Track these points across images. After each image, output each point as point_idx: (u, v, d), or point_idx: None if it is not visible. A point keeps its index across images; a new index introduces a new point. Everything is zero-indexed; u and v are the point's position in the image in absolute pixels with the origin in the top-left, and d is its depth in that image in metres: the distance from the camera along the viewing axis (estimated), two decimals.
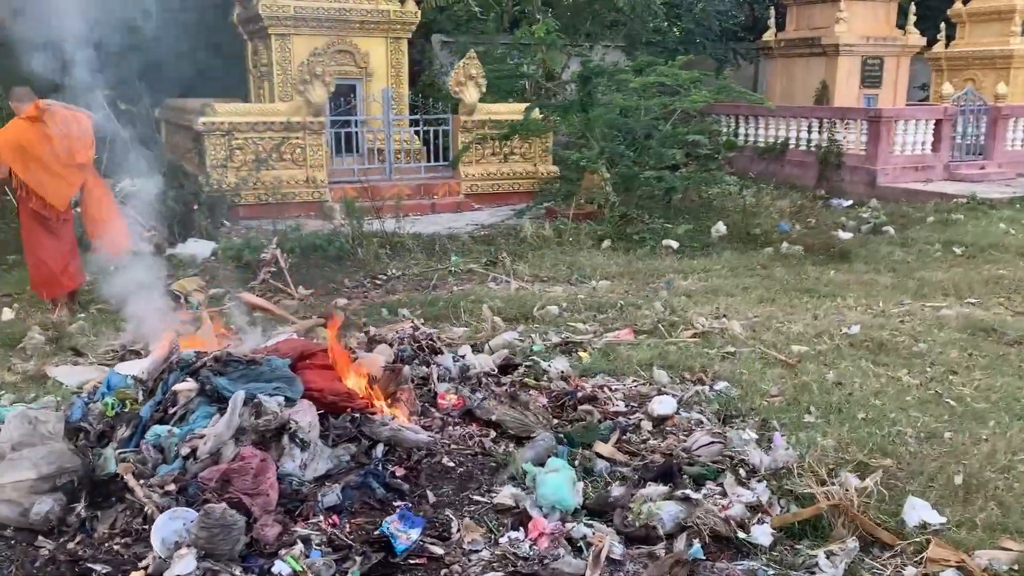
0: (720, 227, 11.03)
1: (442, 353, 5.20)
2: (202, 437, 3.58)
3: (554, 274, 9.25)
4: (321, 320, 5.71)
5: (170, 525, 3.24)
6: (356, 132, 12.85)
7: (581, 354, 6.10)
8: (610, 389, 5.28)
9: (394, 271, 9.14)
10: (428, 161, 13.17)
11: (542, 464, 3.90)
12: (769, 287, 8.45)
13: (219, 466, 3.50)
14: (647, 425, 4.68)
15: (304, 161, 11.79)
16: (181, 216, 10.26)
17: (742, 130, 16.72)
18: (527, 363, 5.67)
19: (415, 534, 3.42)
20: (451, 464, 4.09)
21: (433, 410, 4.57)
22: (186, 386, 3.78)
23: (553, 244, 10.47)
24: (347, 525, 3.50)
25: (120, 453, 3.57)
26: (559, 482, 3.67)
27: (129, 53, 15.29)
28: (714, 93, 12.33)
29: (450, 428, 4.41)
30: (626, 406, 5.04)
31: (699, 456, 4.22)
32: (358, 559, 3.22)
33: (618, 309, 7.49)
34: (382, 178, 12.60)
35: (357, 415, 4.10)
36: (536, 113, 12.39)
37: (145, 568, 3.19)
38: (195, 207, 10.38)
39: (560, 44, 13.38)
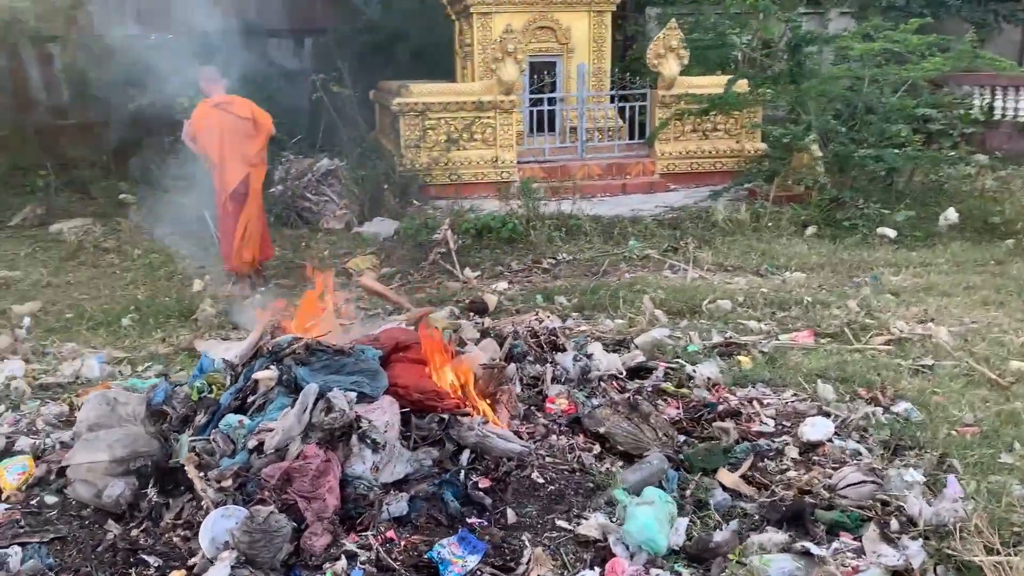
0: (951, 214, 9.56)
1: (564, 351, 4.73)
2: (271, 430, 3.37)
3: (741, 263, 8.42)
4: (431, 310, 5.42)
5: (221, 523, 3.06)
6: (553, 110, 12.48)
7: (742, 358, 5.37)
8: (760, 403, 4.56)
9: (565, 255, 8.72)
10: (628, 139, 12.58)
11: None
12: (999, 287, 7.15)
13: (282, 464, 3.29)
14: (792, 451, 3.95)
15: (494, 141, 11.64)
16: (372, 195, 10.44)
17: (999, 103, 14.52)
18: (672, 366, 5.05)
19: (472, 562, 3.02)
20: (542, 480, 3.63)
21: (539, 415, 4.12)
22: (266, 374, 3.60)
23: (748, 229, 9.58)
24: (403, 541, 3.15)
25: (192, 441, 3.45)
26: (649, 519, 3.11)
27: (350, 37, 15.97)
28: (954, 60, 10.69)
29: (553, 437, 3.95)
30: (775, 425, 4.31)
31: (844, 497, 3.46)
32: None
33: (803, 307, 6.61)
34: (573, 157, 12.19)
35: (445, 416, 3.74)
36: (742, 85, 11.40)
37: (191, 567, 3.02)
38: (385, 186, 10.52)
39: (773, 10, 12.18)
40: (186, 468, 3.29)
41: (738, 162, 12.14)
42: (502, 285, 7.67)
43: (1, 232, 10.48)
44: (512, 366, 4.29)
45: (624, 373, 4.64)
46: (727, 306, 6.64)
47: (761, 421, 4.35)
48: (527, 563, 3.09)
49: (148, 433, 3.50)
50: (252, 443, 3.38)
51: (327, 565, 2.99)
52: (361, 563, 2.98)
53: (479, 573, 3.02)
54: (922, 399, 4.59)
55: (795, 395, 4.72)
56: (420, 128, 11.42)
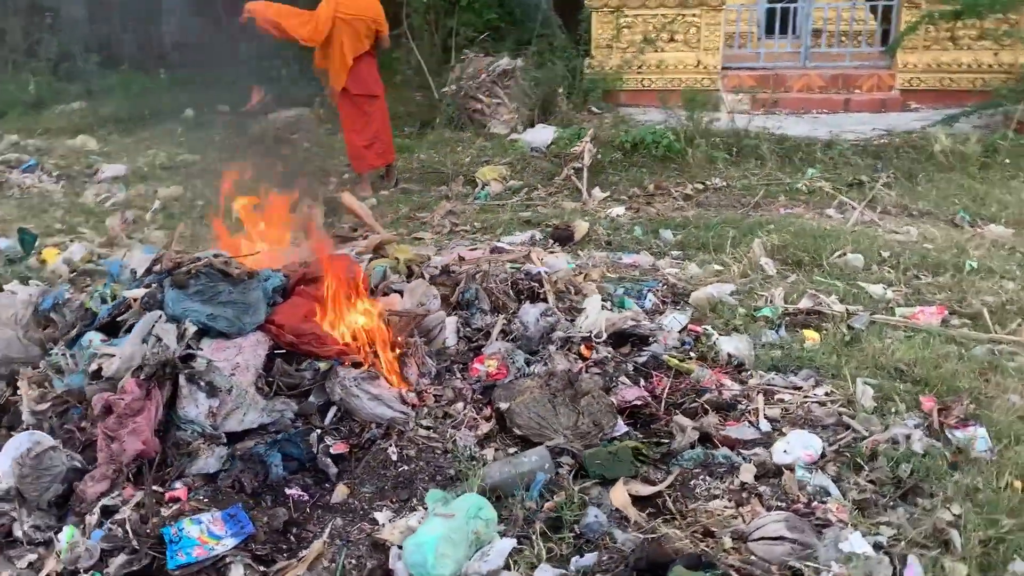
0: None
1: (542, 301, 3.97)
2: (112, 356, 3.12)
3: (935, 208, 6.81)
4: (394, 237, 4.79)
5: (13, 449, 2.88)
6: (793, 7, 10.75)
7: (810, 333, 4.26)
8: (770, 398, 3.55)
9: (718, 180, 7.57)
10: (871, 47, 10.63)
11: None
12: None
13: (106, 395, 3.02)
14: (748, 472, 3.00)
15: (697, 43, 10.35)
16: (545, 99, 9.80)
17: None
18: (703, 335, 4.11)
19: (226, 547, 2.57)
20: (395, 457, 3.05)
21: (455, 378, 3.48)
22: (135, 293, 3.33)
23: (973, 165, 7.70)
24: (187, 505, 2.77)
25: (55, 355, 3.30)
26: (430, 538, 2.46)
27: None
28: None
29: (460, 406, 3.31)
30: (769, 431, 3.33)
31: (752, 553, 2.54)
32: (120, 558, 2.51)
33: (963, 273, 5.14)
34: (792, 65, 10.55)
35: (322, 365, 3.26)
36: None
37: None
38: (560, 90, 9.82)
39: None
40: (19, 384, 3.14)
41: (1006, 80, 9.77)
42: (618, 210, 6.82)
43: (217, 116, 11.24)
44: (439, 315, 3.64)
45: (604, 336, 3.79)
46: (858, 262, 5.34)
47: (753, 423, 3.36)
48: (293, 560, 2.58)
49: (27, 340, 3.40)
50: (93, 367, 3.14)
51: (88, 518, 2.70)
52: (112, 523, 2.65)
53: (231, 560, 2.56)
54: (1009, 422, 3.30)
55: (830, 393, 3.61)
56: (614, 26, 10.44)
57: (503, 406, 3.18)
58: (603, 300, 4.47)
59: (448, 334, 3.62)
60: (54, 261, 5.20)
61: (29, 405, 3.05)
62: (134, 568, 2.49)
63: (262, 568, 2.58)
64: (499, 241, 6.00)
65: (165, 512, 2.73)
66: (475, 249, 5.75)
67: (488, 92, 10.01)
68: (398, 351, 3.41)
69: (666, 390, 3.60)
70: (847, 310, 4.50)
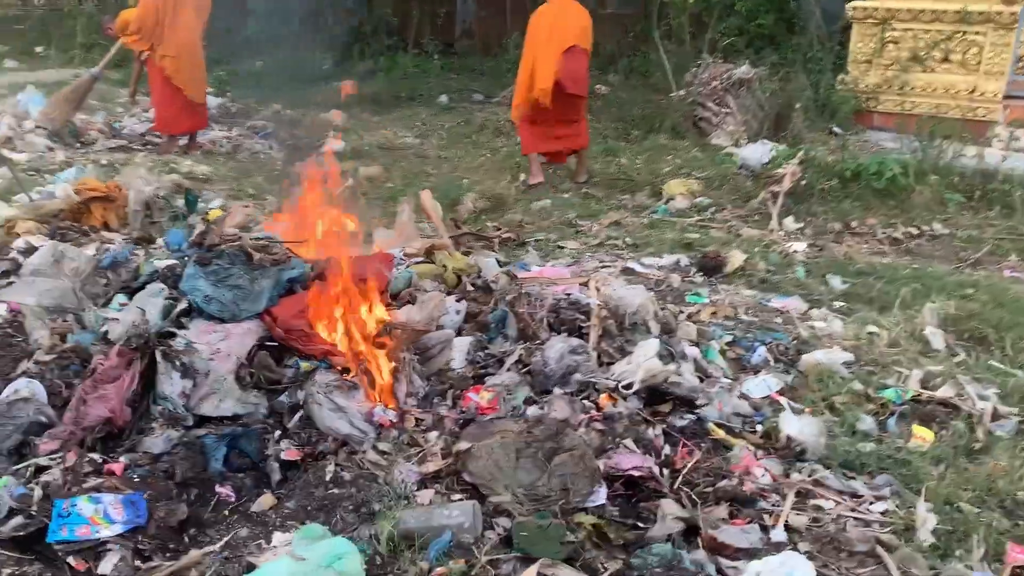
0: None
1: (580, 336, 3.51)
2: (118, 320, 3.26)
3: None
4: (447, 243, 4.36)
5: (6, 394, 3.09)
6: None
7: (920, 429, 3.46)
8: (805, 501, 2.89)
9: (942, 227, 6.43)
10: None
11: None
12: None
13: (100, 357, 3.16)
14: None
15: (977, 65, 8.90)
16: (778, 113, 8.99)
17: None
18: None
19: (112, 532, 2.55)
20: (329, 478, 2.85)
21: (444, 404, 3.20)
22: (166, 264, 3.44)
23: None
24: (117, 480, 2.79)
25: (88, 311, 3.51)
26: None
27: None
28: None
29: (432, 435, 3.05)
30: (784, 539, 2.71)
31: None
32: (16, 520, 2.57)
33: None
34: None
35: (304, 365, 3.15)
36: None
37: None
38: (797, 105, 8.94)
39: None
40: (37, 332, 3.34)
41: None
42: (800, 246, 6.02)
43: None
44: (444, 333, 3.35)
45: (635, 388, 3.29)
46: None
47: (767, 528, 2.75)
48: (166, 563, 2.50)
49: (82, 293, 3.64)
50: (103, 329, 3.29)
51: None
52: (35, 482, 2.73)
53: (110, 548, 2.53)
54: None
55: (887, 513, 2.86)
56: (878, 39, 9.28)
57: (462, 446, 2.85)
58: (695, 344, 3.95)
59: (455, 355, 3.34)
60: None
61: (37, 354, 3.23)
62: (20, 533, 2.52)
63: (137, 563, 2.50)
64: (638, 262, 5.54)
65: (90, 483, 2.74)
66: (603, 267, 5.36)
67: (718, 100, 9.36)
68: (392, 364, 3.18)
69: (689, 466, 3.04)
70: (995, 410, 3.56)
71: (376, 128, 10.16)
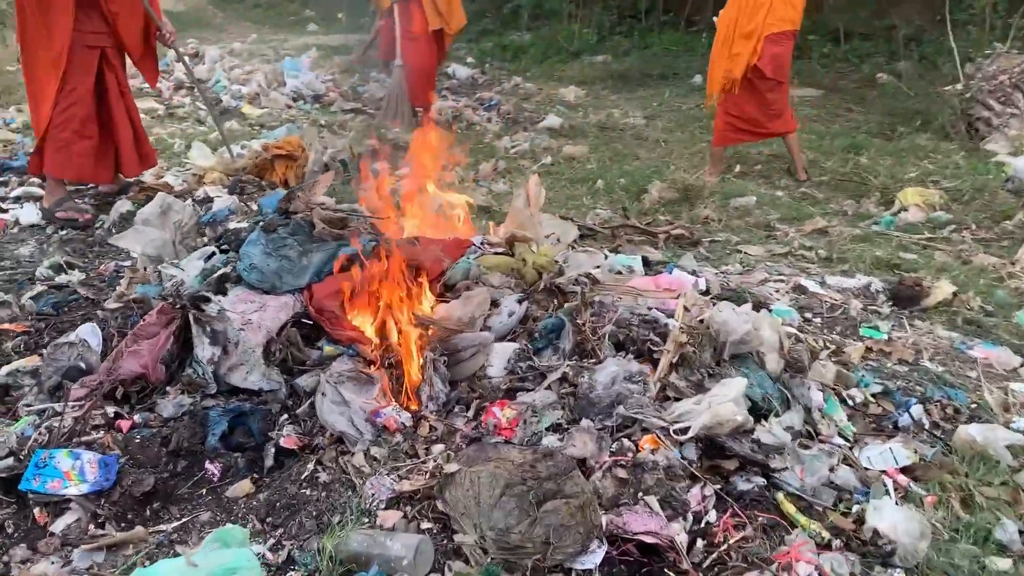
0: None
1: (648, 361, 2.95)
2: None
3: None
4: (530, 237, 3.70)
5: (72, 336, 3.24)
6: None
7: None
8: None
9: None
10: None
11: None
12: None
13: (152, 312, 3.21)
14: None
15: None
16: None
17: None
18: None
19: (80, 490, 2.54)
20: (318, 477, 2.64)
21: (464, 415, 2.84)
22: (240, 226, 3.41)
23: None
24: (121, 435, 2.80)
25: (168, 264, 3.58)
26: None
27: None
28: None
29: (437, 448, 2.74)
30: None
31: None
32: (7, 461, 2.65)
33: None
34: None
35: (329, 348, 2.97)
36: None
37: None
38: None
39: None
40: (124, 288, 3.46)
41: None
42: None
43: None
44: (480, 336, 2.94)
45: (688, 436, 2.70)
46: None
47: None
48: (112, 533, 2.44)
49: (181, 246, 3.73)
50: (169, 283, 3.33)
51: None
52: (43, 426, 2.81)
53: (72, 505, 2.52)
54: None
55: None
56: None
57: (450, 468, 2.50)
58: (829, 390, 3.26)
59: (494, 362, 2.95)
60: None
61: (107, 302, 3.33)
62: (4, 475, 2.57)
63: (91, 527, 2.46)
64: (818, 279, 4.74)
65: (92, 436, 2.76)
66: (775, 280, 4.64)
67: (1004, 98, 7.86)
68: (420, 362, 2.89)
69: (730, 542, 2.45)
70: None
71: (608, 106, 9.78)
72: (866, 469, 2.90)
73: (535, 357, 2.97)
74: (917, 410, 3.30)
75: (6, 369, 3.10)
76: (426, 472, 2.59)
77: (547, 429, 2.71)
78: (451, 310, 3.02)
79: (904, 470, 2.88)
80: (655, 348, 2.97)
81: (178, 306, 2.99)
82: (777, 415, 3.04)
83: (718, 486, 2.64)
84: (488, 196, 5.77)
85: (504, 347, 2.98)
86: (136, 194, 5.30)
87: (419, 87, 7.86)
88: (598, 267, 4.36)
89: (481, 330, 3.03)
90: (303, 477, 2.63)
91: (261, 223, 3.30)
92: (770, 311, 4.09)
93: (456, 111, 8.73)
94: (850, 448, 3.02)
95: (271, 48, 13.46)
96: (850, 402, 3.35)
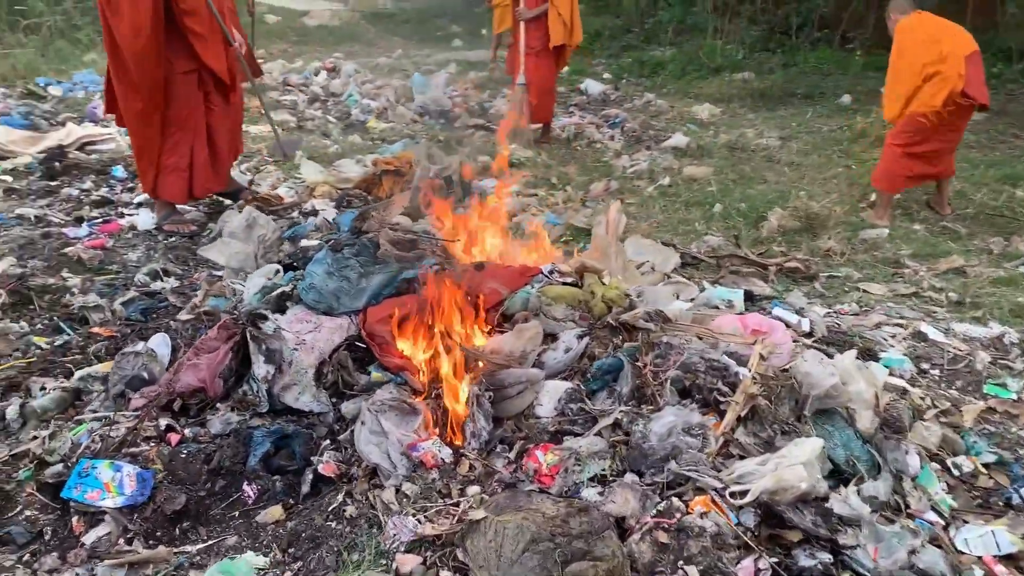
0: None
1: (715, 411, 2.68)
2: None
3: None
4: (601, 268, 3.36)
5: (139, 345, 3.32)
6: None
7: None
8: None
9: None
10: None
11: None
12: None
13: (218, 326, 3.25)
14: None
15: None
16: None
17: None
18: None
19: (114, 503, 2.57)
20: (344, 511, 2.56)
21: (505, 457, 2.68)
22: (309, 243, 3.41)
23: None
24: (162, 449, 2.83)
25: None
26: None
27: None
28: None
29: (473, 490, 2.60)
30: None
31: None
32: (57, 467, 2.72)
33: None
34: None
35: (377, 375, 2.90)
36: None
37: None
38: None
39: None
40: (199, 300, 3.51)
41: None
42: None
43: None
44: (530, 373, 2.75)
45: (746, 500, 2.43)
46: None
47: None
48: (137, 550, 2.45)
49: (262, 259, 3.78)
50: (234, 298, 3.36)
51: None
52: (97, 434, 2.87)
53: (107, 517, 2.55)
54: None
55: None
56: None
57: (477, 514, 2.35)
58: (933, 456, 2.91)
59: (544, 400, 2.77)
60: None
61: (181, 314, 3.39)
62: (51, 482, 2.63)
63: (121, 541, 2.47)
64: (942, 327, 4.28)
65: (141, 448, 2.80)
66: (893, 324, 4.23)
67: None
68: (469, 395, 2.76)
69: None
70: None
71: (743, 125, 9.36)
72: (960, 553, 2.53)
73: (588, 399, 2.77)
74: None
75: (80, 374, 3.18)
76: (453, 516, 2.44)
77: (590, 480, 2.51)
78: (503, 343, 2.87)
79: (1006, 558, 2.49)
80: (722, 399, 2.70)
81: (240, 322, 2.99)
82: (862, 480, 2.71)
83: (776, 559, 2.35)
84: (591, 217, 5.57)
85: (556, 385, 2.80)
86: (248, 201, 5.45)
87: (540, 104, 7.77)
88: (692, 299, 4.10)
89: (534, 366, 2.86)
90: (331, 508, 2.55)
91: (330, 242, 3.27)
92: (877, 360, 3.71)
93: (578, 128, 8.57)
94: (945, 527, 2.64)
95: (413, 63, 13.77)
96: (955, 471, 2.95)
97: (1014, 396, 3.62)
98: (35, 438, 2.88)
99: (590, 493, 2.45)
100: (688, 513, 2.41)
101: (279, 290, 3.18)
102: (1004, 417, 3.49)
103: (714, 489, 2.48)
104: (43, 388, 3.17)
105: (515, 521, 2.30)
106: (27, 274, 4.17)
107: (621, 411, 2.66)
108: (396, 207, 3.79)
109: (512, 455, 2.66)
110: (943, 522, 2.66)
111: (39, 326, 3.76)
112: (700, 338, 2.94)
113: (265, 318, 3.01)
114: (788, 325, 4.01)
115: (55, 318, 3.78)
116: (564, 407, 2.75)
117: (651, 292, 3.28)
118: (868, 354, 3.76)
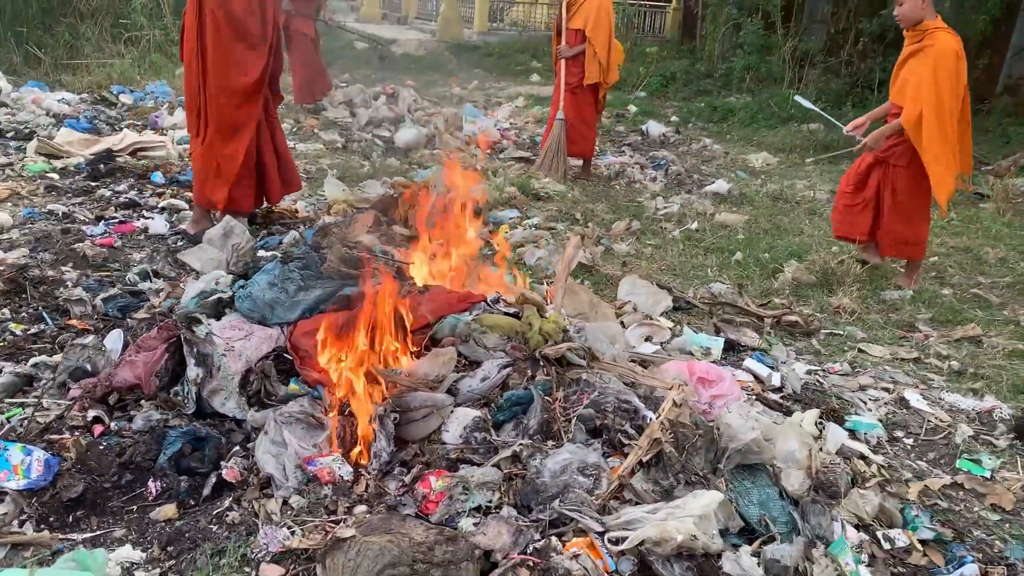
0: None
1: (619, 452, 2.60)
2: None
3: None
4: (538, 299, 3.24)
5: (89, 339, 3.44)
6: None
7: None
8: None
9: None
10: None
11: None
12: None
13: (158, 327, 3.34)
14: None
15: None
16: None
17: None
18: None
19: (15, 484, 2.66)
20: (227, 516, 2.59)
21: (399, 480, 2.66)
22: (265, 255, 3.49)
23: None
24: (86, 443, 2.92)
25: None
26: None
27: None
28: None
29: (360, 509, 2.60)
30: None
31: None
32: None
33: None
34: None
35: (293, 387, 2.93)
36: None
37: None
38: None
39: None
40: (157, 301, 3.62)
41: None
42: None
43: None
44: (433, 398, 2.72)
45: (621, 547, 2.34)
46: None
47: None
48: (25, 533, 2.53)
49: (233, 267, 3.88)
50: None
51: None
52: (27, 419, 2.98)
53: (8, 499, 2.64)
54: None
55: None
56: None
57: (344, 533, 2.34)
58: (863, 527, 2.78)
59: (451, 427, 2.74)
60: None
61: (139, 312, 3.51)
62: None
63: (15, 523, 2.55)
64: (929, 396, 4.07)
65: (65, 436, 2.89)
66: (880, 388, 4.05)
67: None
68: (372, 415, 2.77)
69: None
70: None
71: (796, 176, 9.15)
72: None
73: (495, 430, 2.73)
74: (971, 569, 2.68)
75: (33, 360, 3.31)
76: (328, 532, 2.43)
77: (474, 510, 2.46)
78: (419, 366, 2.85)
79: None
80: (627, 441, 2.63)
81: (172, 324, 3.07)
82: (771, 541, 2.59)
83: None
84: (597, 256, 5.52)
85: (465, 413, 2.77)
86: (267, 216, 5.60)
87: (579, 139, 7.78)
88: (663, 343, 4.01)
89: (448, 391, 2.84)
90: (215, 512, 2.57)
91: (280, 255, 3.34)
92: (842, 422, 3.56)
93: (621, 167, 8.53)
94: None
95: (484, 94, 13.98)
96: (886, 544, 2.79)
97: (987, 474, 3.40)
98: None
99: (467, 523, 2.40)
100: (561, 553, 2.34)
101: (216, 296, 3.25)
102: (970, 495, 3.28)
103: (597, 533, 2.40)
104: (0, 371, 3.30)
105: (380, 543, 2.28)
106: (29, 265, 4.37)
107: (521, 444, 2.61)
108: (360, 225, 3.84)
109: (408, 479, 2.63)
110: None
111: (24, 314, 3.93)
112: (624, 380, 2.86)
113: (199, 322, 3.08)
114: (757, 378, 3.88)
115: (39, 308, 3.94)
116: (469, 435, 2.72)
117: (591, 329, 3.22)
118: (832, 415, 3.59)
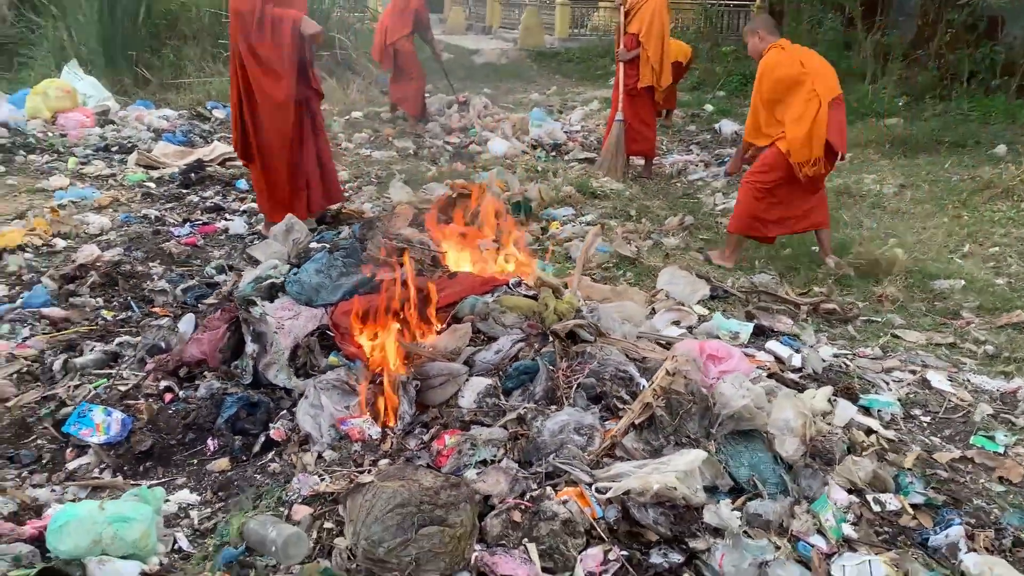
0: None
1: (612, 415, 2.86)
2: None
3: None
4: (557, 282, 3.43)
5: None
6: None
7: None
8: None
9: None
10: None
11: None
12: None
13: (222, 309, 3.78)
14: None
15: None
16: None
17: None
18: None
19: (96, 440, 3.12)
20: (270, 467, 2.99)
21: (420, 437, 3.00)
22: (316, 247, 3.90)
23: None
24: (155, 407, 3.37)
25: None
26: (64, 514, 2.54)
27: None
28: None
29: (383, 463, 2.95)
30: None
31: None
32: (65, 410, 3.30)
33: None
34: None
35: (333, 359, 3.32)
36: None
37: None
38: None
39: None
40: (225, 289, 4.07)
41: None
42: None
43: None
44: (449, 367, 3.03)
45: (606, 496, 2.61)
46: None
47: None
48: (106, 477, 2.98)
49: (293, 259, 4.31)
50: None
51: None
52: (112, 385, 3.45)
53: (91, 452, 3.10)
54: None
55: None
56: None
57: (364, 479, 2.69)
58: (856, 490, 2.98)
59: (467, 394, 3.06)
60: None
61: (209, 299, 3.96)
62: (61, 419, 3.23)
63: (95, 471, 3.01)
64: (953, 376, 4.16)
65: (140, 401, 3.36)
66: (905, 370, 4.18)
67: None
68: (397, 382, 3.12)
69: None
70: None
71: (868, 171, 9.11)
72: None
73: (504, 396, 3.03)
74: (956, 531, 2.84)
75: (118, 340, 3.80)
76: (352, 480, 2.78)
77: (480, 462, 2.77)
78: (439, 340, 3.19)
79: None
80: (621, 405, 2.89)
81: (232, 307, 3.49)
82: (756, 498, 2.81)
83: (627, 554, 2.52)
84: (642, 249, 5.74)
85: (480, 381, 3.08)
86: (336, 217, 6.06)
87: (638, 139, 8.00)
88: (690, 327, 4.23)
89: (466, 362, 3.16)
90: (260, 464, 2.96)
91: (329, 245, 3.73)
92: (856, 400, 3.71)
93: (683, 165, 8.69)
94: (829, 554, 2.69)
95: (562, 99, 14.29)
96: (876, 507, 2.96)
97: (1000, 450, 3.50)
98: (65, 387, 3.50)
99: (471, 473, 2.72)
100: (551, 499, 2.62)
101: (269, 281, 3.67)
102: (979, 468, 3.39)
103: (587, 484, 2.68)
104: (92, 349, 3.80)
105: (393, 487, 2.61)
106: (123, 262, 4.92)
107: (526, 407, 2.91)
108: (401, 219, 4.20)
109: (427, 437, 2.96)
110: (827, 549, 2.70)
111: (115, 303, 4.46)
112: (627, 353, 3.13)
113: (255, 304, 3.50)
114: (778, 359, 4.06)
115: (128, 298, 4.47)
116: (482, 400, 3.03)
117: (604, 309, 3.49)
118: (847, 392, 3.74)
